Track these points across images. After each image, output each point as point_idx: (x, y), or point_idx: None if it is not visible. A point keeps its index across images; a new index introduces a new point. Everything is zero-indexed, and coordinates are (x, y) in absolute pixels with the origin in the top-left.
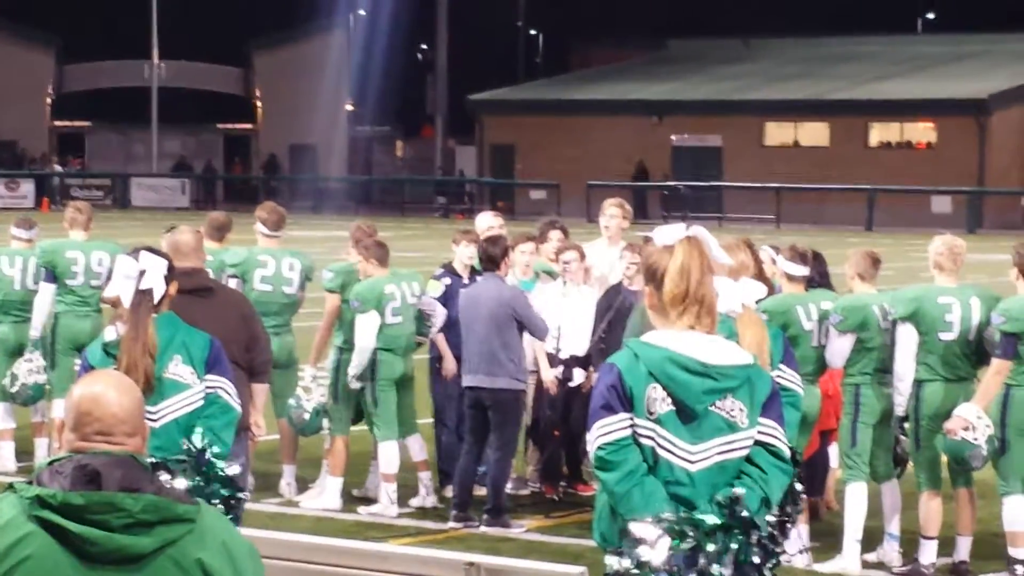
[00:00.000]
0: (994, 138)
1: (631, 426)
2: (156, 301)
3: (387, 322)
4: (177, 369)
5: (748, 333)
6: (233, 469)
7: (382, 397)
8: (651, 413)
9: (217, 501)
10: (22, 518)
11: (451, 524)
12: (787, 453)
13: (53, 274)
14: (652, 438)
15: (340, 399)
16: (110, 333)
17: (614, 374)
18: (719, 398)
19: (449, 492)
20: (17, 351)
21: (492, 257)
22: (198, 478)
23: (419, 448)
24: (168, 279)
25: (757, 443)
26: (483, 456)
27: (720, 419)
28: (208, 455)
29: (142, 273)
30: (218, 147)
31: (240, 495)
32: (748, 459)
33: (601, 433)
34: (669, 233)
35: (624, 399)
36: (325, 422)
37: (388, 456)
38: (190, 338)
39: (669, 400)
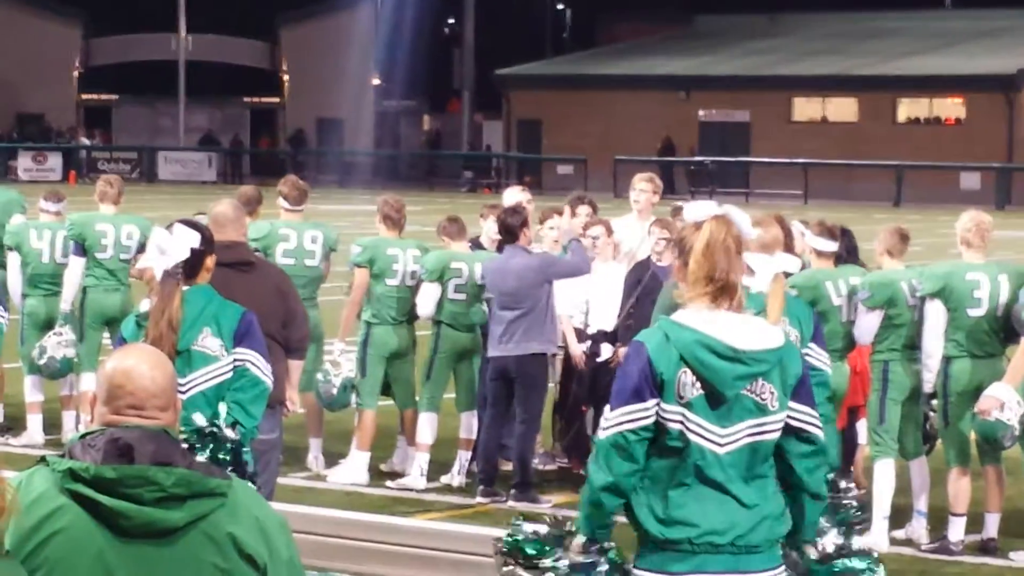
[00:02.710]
0: (1023, 113)
1: (656, 412)
2: (185, 273)
3: (449, 297)
4: (205, 341)
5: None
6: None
7: (437, 370)
8: (681, 398)
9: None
10: (54, 491)
11: (478, 499)
12: (822, 437)
13: (83, 247)
14: (681, 422)
15: (368, 373)
16: (144, 305)
17: (643, 358)
18: (750, 382)
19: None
20: (47, 324)
21: (510, 228)
22: (211, 449)
23: (470, 426)
24: (204, 252)
25: (792, 429)
26: (506, 428)
27: (750, 401)
28: (219, 431)
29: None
30: (245, 121)
31: (249, 469)
32: (783, 448)
33: (626, 419)
34: (699, 210)
35: (654, 385)
36: (353, 396)
37: (430, 427)
38: (222, 310)
39: (699, 385)
